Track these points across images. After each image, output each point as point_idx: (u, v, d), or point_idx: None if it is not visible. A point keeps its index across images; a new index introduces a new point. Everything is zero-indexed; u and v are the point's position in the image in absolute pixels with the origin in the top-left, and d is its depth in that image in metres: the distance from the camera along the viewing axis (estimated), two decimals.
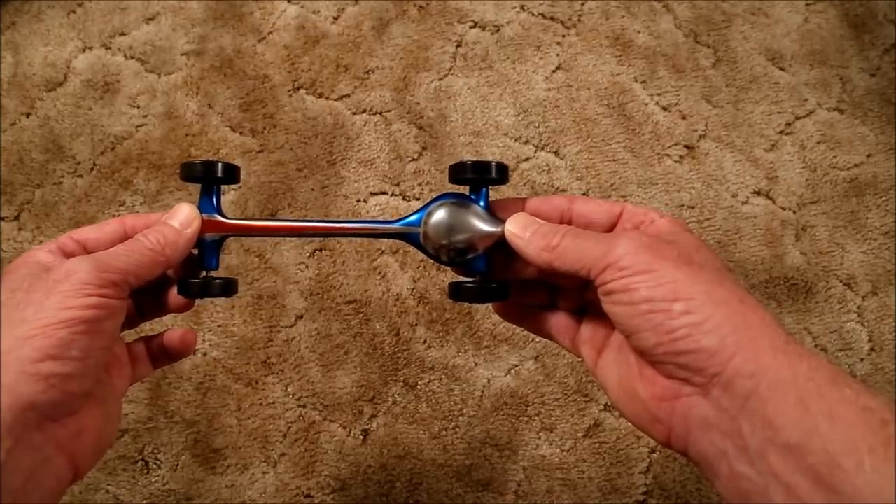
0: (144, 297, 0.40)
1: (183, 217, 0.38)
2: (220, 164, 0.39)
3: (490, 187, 0.39)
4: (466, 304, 0.78)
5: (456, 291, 0.39)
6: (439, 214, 0.38)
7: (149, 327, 0.45)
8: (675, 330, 0.29)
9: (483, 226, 0.37)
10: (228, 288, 0.40)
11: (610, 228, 0.37)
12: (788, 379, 0.27)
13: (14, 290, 0.33)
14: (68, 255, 0.37)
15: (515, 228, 0.36)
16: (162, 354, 0.41)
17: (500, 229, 0.37)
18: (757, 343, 0.28)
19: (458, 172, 0.39)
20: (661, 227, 0.35)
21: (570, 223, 0.37)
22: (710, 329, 0.29)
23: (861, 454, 0.25)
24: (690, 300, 0.29)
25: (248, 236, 0.42)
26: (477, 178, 0.39)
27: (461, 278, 0.40)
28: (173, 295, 0.40)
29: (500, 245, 0.37)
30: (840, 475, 0.25)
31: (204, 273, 0.40)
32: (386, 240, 0.80)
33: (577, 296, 0.38)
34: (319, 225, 0.41)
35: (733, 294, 0.30)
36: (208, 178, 0.40)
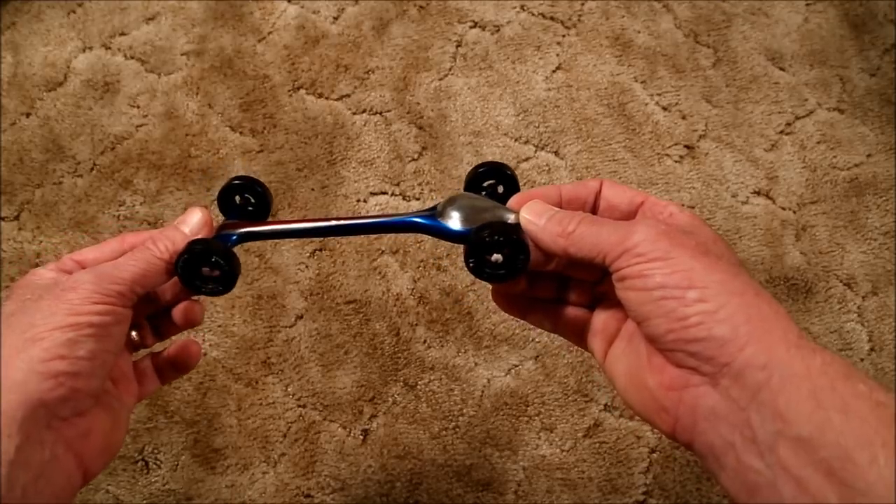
0: (160, 317, 0.41)
1: (195, 222, 0.39)
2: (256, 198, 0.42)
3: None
4: (466, 304, 0.79)
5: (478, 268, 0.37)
6: (457, 203, 0.38)
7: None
8: (688, 317, 0.29)
9: (499, 213, 0.37)
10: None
11: (629, 217, 0.37)
12: (801, 372, 0.27)
13: (24, 300, 0.34)
14: (69, 274, 0.37)
15: (531, 215, 0.35)
16: (169, 368, 0.42)
17: (515, 217, 0.37)
18: (770, 335, 0.28)
19: (479, 180, 0.40)
20: (679, 219, 0.35)
21: (596, 207, 0.37)
22: (723, 318, 0.28)
23: (875, 449, 0.24)
24: (705, 288, 0.29)
25: (264, 239, 0.43)
26: (494, 185, 0.40)
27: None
28: (177, 310, 0.41)
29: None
30: (852, 469, 0.24)
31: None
32: (393, 235, 0.80)
33: (590, 289, 0.38)
34: (338, 224, 0.40)
35: (748, 286, 0.30)
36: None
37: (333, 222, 0.40)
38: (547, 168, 0.86)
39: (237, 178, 0.42)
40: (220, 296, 0.39)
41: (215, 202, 0.42)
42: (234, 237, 0.40)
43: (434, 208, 0.39)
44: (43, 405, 0.31)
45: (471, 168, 0.41)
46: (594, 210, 0.37)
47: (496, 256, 0.35)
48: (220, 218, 0.42)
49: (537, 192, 0.37)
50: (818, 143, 0.88)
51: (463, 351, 0.77)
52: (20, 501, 0.29)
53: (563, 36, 0.93)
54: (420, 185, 0.84)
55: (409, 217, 0.39)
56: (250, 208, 0.42)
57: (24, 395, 0.30)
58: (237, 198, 0.42)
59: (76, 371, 0.32)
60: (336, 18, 0.93)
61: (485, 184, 0.40)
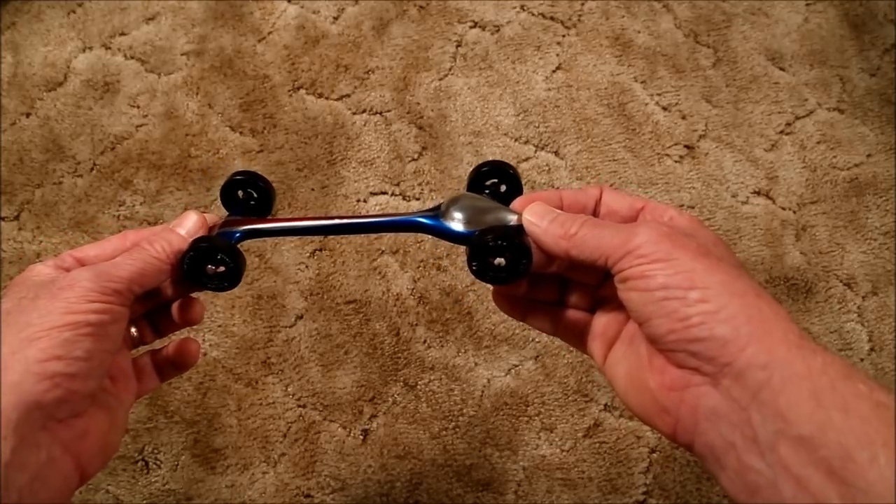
0: (159, 314, 0.41)
1: (190, 225, 0.40)
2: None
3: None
4: (466, 304, 0.79)
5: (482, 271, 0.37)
6: (459, 204, 0.38)
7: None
8: (689, 317, 0.29)
9: (502, 214, 0.38)
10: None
11: (629, 222, 0.37)
12: (802, 372, 0.27)
13: (20, 298, 0.34)
14: (68, 271, 0.37)
15: (533, 217, 0.36)
16: (168, 366, 0.42)
17: (517, 219, 0.37)
18: (771, 335, 0.28)
19: (482, 179, 0.40)
20: (680, 222, 0.35)
21: (596, 213, 0.37)
22: (725, 318, 0.29)
23: (875, 448, 0.24)
24: (706, 289, 0.29)
25: (267, 236, 0.44)
26: (496, 185, 0.40)
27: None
28: (177, 307, 0.41)
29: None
30: (853, 468, 0.24)
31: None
32: (393, 235, 0.80)
33: (592, 292, 0.38)
34: (341, 222, 0.41)
35: (749, 287, 0.30)
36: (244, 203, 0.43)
37: (337, 220, 0.40)
38: (547, 168, 0.86)
39: (240, 172, 0.43)
40: (225, 291, 0.40)
41: (216, 201, 0.42)
42: (238, 234, 0.41)
43: (437, 208, 0.39)
44: (38, 407, 0.30)
45: (472, 167, 0.41)
46: (595, 215, 0.38)
47: (499, 260, 0.35)
48: (224, 213, 0.43)
49: (539, 195, 0.37)
50: (818, 143, 0.88)
51: (463, 351, 0.77)
52: (16, 503, 0.29)
53: (563, 36, 0.93)
54: (420, 185, 0.84)
55: (412, 217, 0.39)
56: (253, 203, 0.43)
57: (20, 396, 0.30)
58: (240, 192, 0.42)
59: (73, 372, 0.31)
60: (336, 18, 0.93)
61: (487, 183, 0.40)
